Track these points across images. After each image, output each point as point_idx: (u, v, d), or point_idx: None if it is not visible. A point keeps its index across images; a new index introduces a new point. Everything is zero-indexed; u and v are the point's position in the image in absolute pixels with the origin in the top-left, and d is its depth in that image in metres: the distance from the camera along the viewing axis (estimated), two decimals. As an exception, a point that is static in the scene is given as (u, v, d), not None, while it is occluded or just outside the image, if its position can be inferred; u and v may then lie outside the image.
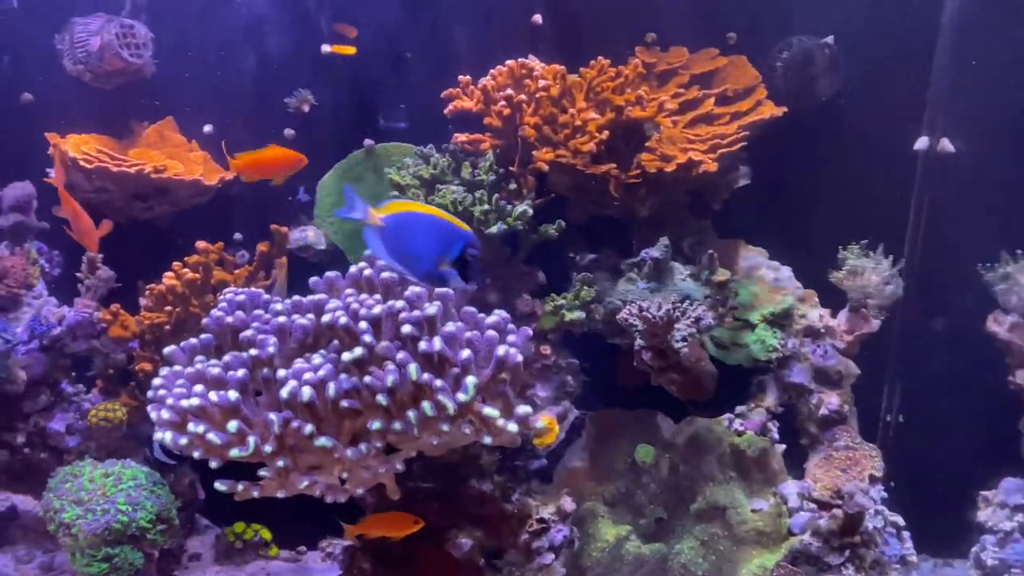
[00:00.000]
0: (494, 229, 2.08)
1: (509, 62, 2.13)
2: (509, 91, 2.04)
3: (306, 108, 2.25)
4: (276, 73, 2.32)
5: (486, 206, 2.09)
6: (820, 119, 2.48)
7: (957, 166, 2.46)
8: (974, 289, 2.47)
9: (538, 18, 2.30)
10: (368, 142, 2.31)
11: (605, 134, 2.13)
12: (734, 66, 2.46)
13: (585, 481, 2.37)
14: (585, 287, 2.27)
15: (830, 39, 2.40)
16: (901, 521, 2.26)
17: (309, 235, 2.27)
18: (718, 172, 2.40)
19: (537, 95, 2.07)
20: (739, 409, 2.37)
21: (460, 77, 2.15)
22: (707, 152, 2.24)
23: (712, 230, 2.53)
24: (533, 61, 2.19)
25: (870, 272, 2.36)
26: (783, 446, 2.35)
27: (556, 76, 2.10)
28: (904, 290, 2.46)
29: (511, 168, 2.21)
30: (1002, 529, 2.26)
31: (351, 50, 2.18)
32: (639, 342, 2.10)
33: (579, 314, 2.21)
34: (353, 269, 1.98)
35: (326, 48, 2.25)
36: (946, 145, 2.45)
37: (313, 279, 2.00)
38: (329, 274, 2.00)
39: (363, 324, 1.82)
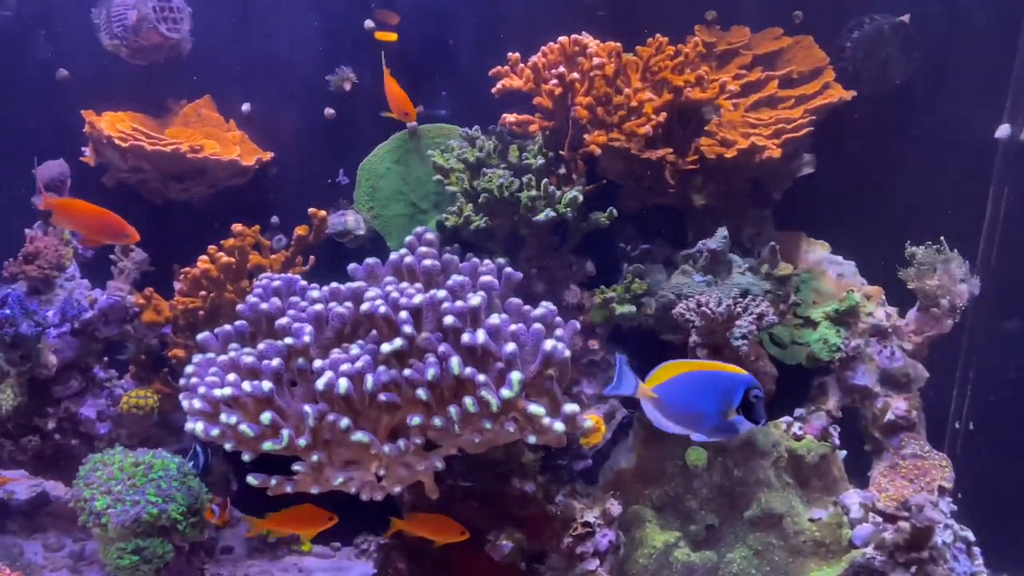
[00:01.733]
0: (542, 216, 1.99)
1: (561, 38, 2.03)
2: (561, 69, 1.94)
3: (348, 87, 2.17)
4: (318, 50, 2.24)
5: (534, 192, 2.00)
6: (892, 104, 2.35)
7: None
8: (1055, 290, 2.33)
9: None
10: (412, 123, 2.22)
11: (662, 116, 2.03)
12: (800, 47, 2.33)
13: (632, 483, 2.27)
14: (636, 279, 2.17)
15: (905, 18, 2.25)
16: (972, 536, 2.13)
17: (348, 220, 2.19)
18: (781, 159, 2.28)
19: (591, 74, 1.97)
20: (798, 412, 2.25)
21: (509, 54, 2.05)
22: (770, 137, 2.12)
23: (772, 221, 2.41)
24: (586, 38, 2.08)
25: (941, 270, 2.22)
26: (844, 452, 2.23)
27: (611, 54, 1.99)
28: (978, 289, 2.32)
29: (561, 152, 2.11)
30: (1084, 549, 2.11)
31: (392, 36, 2.10)
32: (694, 339, 1.99)
33: (630, 308, 2.11)
34: (394, 256, 1.91)
35: (369, 24, 2.17)
36: (1030, 133, 2.30)
37: (352, 266, 1.93)
38: (369, 261, 1.94)
39: (403, 314, 1.74)
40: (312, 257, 2.21)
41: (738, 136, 2.12)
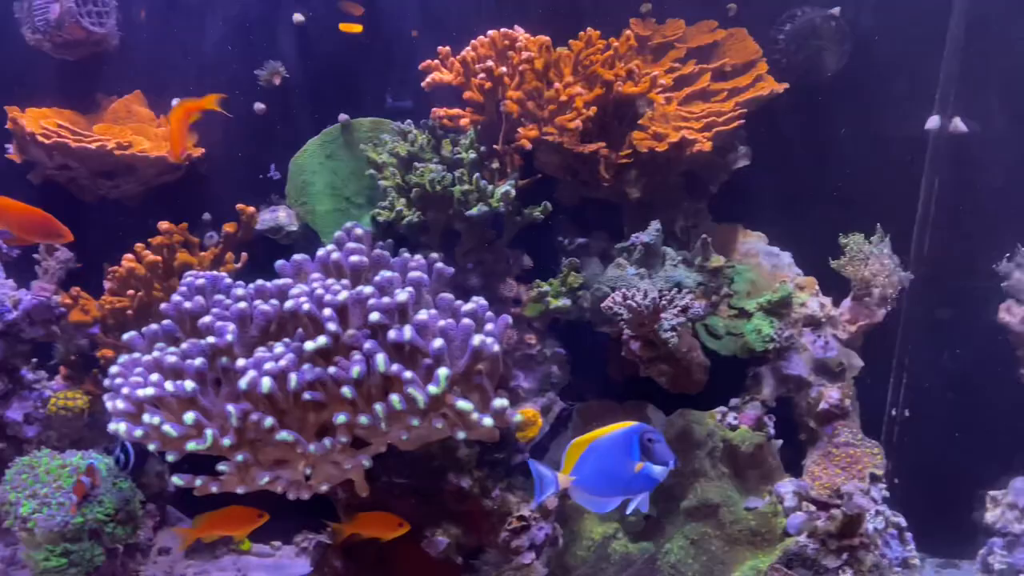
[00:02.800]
0: (475, 211, 1.97)
1: (491, 32, 2.01)
2: (489, 63, 1.92)
3: (277, 81, 2.13)
4: (247, 44, 2.19)
5: (466, 186, 1.98)
6: (825, 96, 2.36)
7: (970, 147, 2.33)
8: (986, 277, 2.35)
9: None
10: (343, 117, 2.19)
11: (593, 110, 2.01)
12: (734, 39, 2.33)
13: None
14: (572, 273, 2.16)
15: (836, 10, 2.26)
16: (903, 522, 2.16)
17: (280, 216, 2.16)
18: (715, 152, 2.29)
19: (520, 68, 1.95)
20: (733, 402, 2.27)
21: (439, 48, 2.02)
22: (702, 131, 2.12)
23: (708, 214, 2.41)
24: (517, 31, 2.06)
25: (875, 259, 2.24)
26: (780, 441, 2.25)
27: (541, 48, 1.98)
28: (911, 278, 2.35)
29: (495, 146, 2.09)
30: (1011, 532, 2.16)
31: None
32: (627, 332, 1.99)
33: (565, 301, 2.10)
34: (321, 252, 1.88)
35: (298, 17, 2.13)
36: (959, 125, 2.32)
37: (279, 262, 1.90)
38: (297, 257, 1.90)
39: (328, 311, 1.72)
40: (244, 254, 2.17)
41: (670, 130, 2.12)
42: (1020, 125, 2.29)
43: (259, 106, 2.17)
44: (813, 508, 2.07)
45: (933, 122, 2.33)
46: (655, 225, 2.13)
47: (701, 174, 2.35)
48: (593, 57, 2.04)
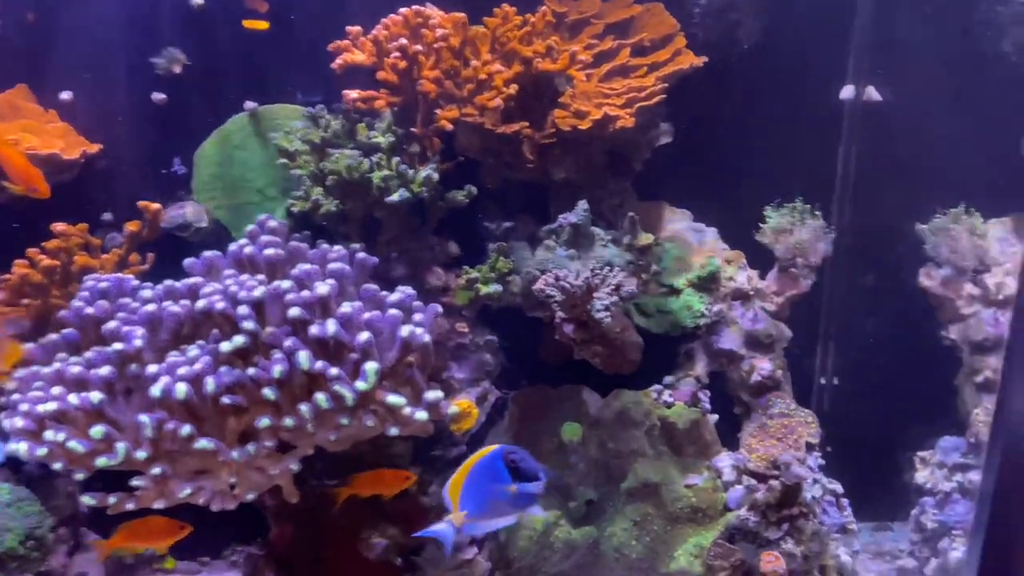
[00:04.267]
0: (395, 197, 1.89)
1: (403, 10, 1.92)
2: (403, 40, 1.83)
3: (177, 69, 1.99)
4: (142, 30, 2.03)
5: (385, 172, 1.89)
6: (743, 69, 2.35)
7: (885, 115, 2.35)
8: (906, 243, 2.39)
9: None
10: (250, 104, 2.07)
11: (513, 88, 1.95)
12: (650, 13, 2.30)
13: (509, 466, 2.20)
14: (501, 258, 2.10)
15: (748, -19, 2.25)
16: (840, 488, 2.18)
17: (188, 212, 2.03)
18: (638, 129, 2.25)
19: (435, 46, 1.87)
20: (668, 379, 2.24)
21: (349, 28, 1.93)
22: (623, 107, 2.08)
23: (633, 192, 2.38)
24: (431, 9, 1.98)
25: (798, 229, 2.25)
26: (715, 416, 2.24)
27: (456, 25, 1.90)
28: (834, 246, 2.36)
29: (414, 129, 2.01)
30: (941, 490, 2.19)
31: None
32: (559, 315, 1.93)
33: (495, 287, 2.04)
34: (233, 247, 1.77)
35: (197, 0, 1.99)
36: (872, 94, 2.34)
37: (188, 260, 1.79)
38: (207, 254, 1.79)
39: (243, 309, 1.62)
40: (151, 255, 2.03)
41: (592, 107, 2.07)
42: (932, 91, 2.33)
43: (158, 96, 2.03)
44: (752, 481, 2.06)
45: (848, 91, 2.35)
46: (583, 205, 2.08)
47: (624, 152, 2.31)
48: (510, 34, 1.98)
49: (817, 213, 2.30)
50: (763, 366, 2.23)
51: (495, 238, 2.20)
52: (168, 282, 1.73)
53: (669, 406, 2.19)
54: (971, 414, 2.25)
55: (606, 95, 2.14)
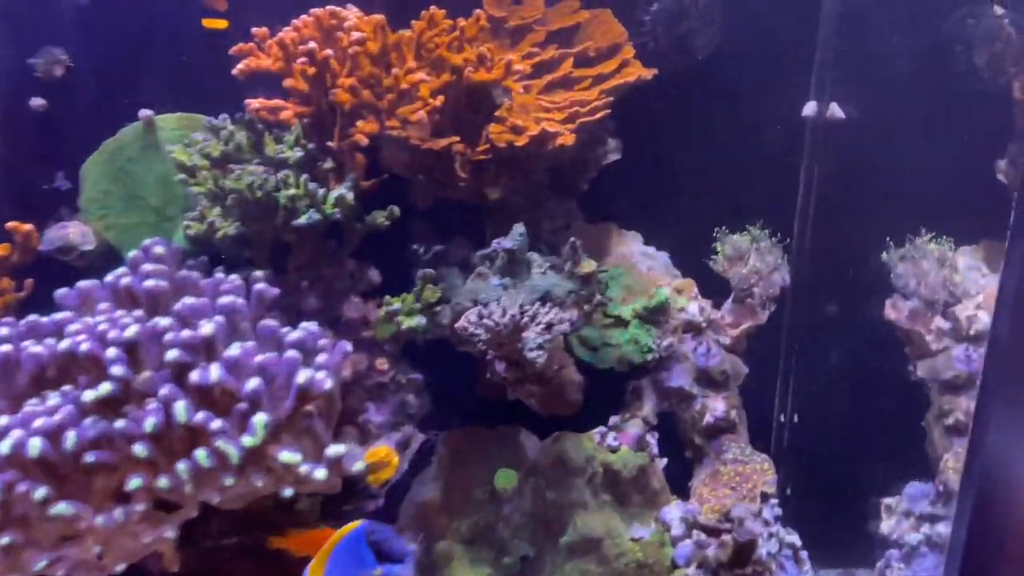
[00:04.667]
0: (303, 220, 1.68)
1: (315, 10, 1.72)
2: (312, 44, 1.63)
3: (59, 72, 1.77)
4: (18, 27, 1.80)
5: (292, 191, 1.69)
6: (698, 82, 2.18)
7: (849, 135, 2.19)
8: (871, 271, 2.22)
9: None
10: (145, 113, 1.85)
11: (439, 100, 1.76)
12: (597, 21, 2.12)
13: (438, 516, 2.01)
14: (428, 286, 1.90)
15: (704, -13, 2.08)
16: (798, 541, 2.01)
17: (71, 233, 1.80)
18: (584, 146, 2.08)
19: (351, 51, 1.67)
20: (613, 420, 2.05)
21: (255, 30, 1.72)
22: (565, 122, 1.89)
23: (579, 213, 2.20)
24: (348, 10, 1.78)
25: (754, 257, 2.08)
26: (664, 461, 2.05)
27: (375, 28, 1.70)
28: (794, 274, 2.20)
29: (330, 143, 1.80)
30: (908, 543, 2.03)
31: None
32: (490, 353, 1.74)
33: (419, 320, 1.84)
34: (110, 277, 1.55)
35: (80, -7, 1.78)
36: (836, 111, 2.18)
37: (60, 291, 1.57)
38: (82, 284, 1.58)
39: (112, 351, 1.40)
40: (29, 281, 1.81)
41: (530, 122, 1.88)
42: (900, 109, 2.17)
43: (37, 101, 1.80)
44: (702, 535, 1.88)
45: (810, 108, 2.19)
46: (518, 229, 1.89)
47: (568, 170, 2.13)
48: (437, 40, 1.78)
49: (774, 238, 2.14)
50: (716, 407, 2.06)
51: (423, 263, 2.00)
52: (32, 317, 1.51)
53: (614, 450, 2.00)
54: (940, 459, 2.09)
55: (547, 109, 1.95)
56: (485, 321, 1.59)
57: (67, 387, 1.47)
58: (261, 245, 1.80)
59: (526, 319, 1.59)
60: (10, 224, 1.75)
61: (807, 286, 2.25)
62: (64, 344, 1.42)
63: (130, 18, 1.83)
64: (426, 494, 2.01)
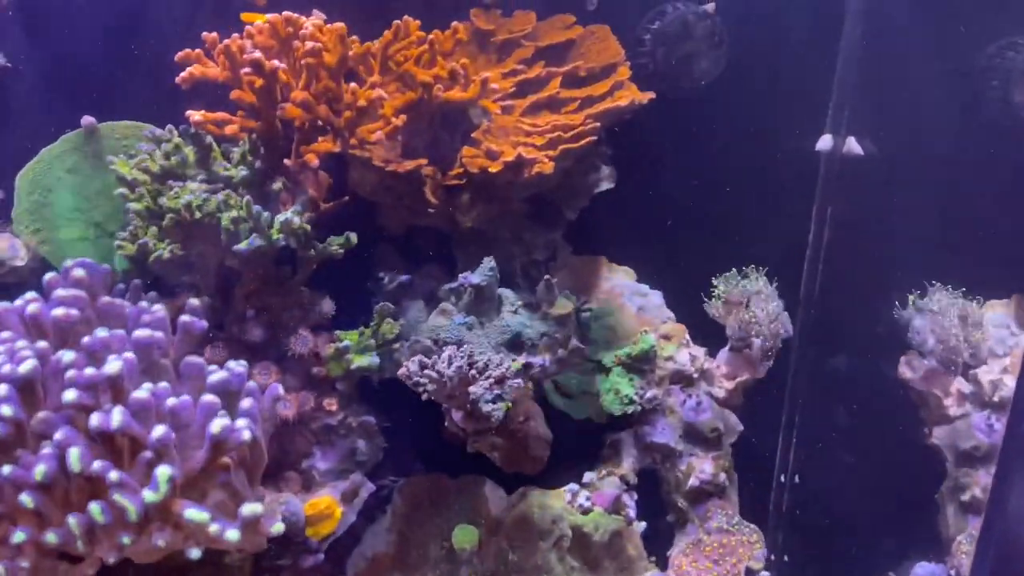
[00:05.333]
0: (243, 245, 1.55)
1: (271, 16, 1.58)
2: (257, 54, 1.49)
3: (-6, 72, 1.66)
4: None
5: (234, 212, 1.55)
6: (700, 109, 2.01)
7: (866, 172, 2.01)
8: (885, 324, 2.03)
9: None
10: (88, 120, 1.73)
11: (402, 119, 1.61)
12: (594, 38, 1.97)
13: (389, 573, 1.84)
14: (387, 321, 1.75)
15: (710, 7, 1.92)
16: (788, 626, 1.81)
17: (1, 247, 1.68)
18: (574, 173, 1.92)
19: (304, 61, 1.53)
20: (588, 477, 1.89)
21: (204, 35, 1.59)
22: (545, 147, 1.74)
23: (565, 245, 2.04)
24: (315, 17, 1.64)
25: (754, 303, 1.90)
26: (643, 524, 1.88)
27: (336, 38, 1.56)
28: (800, 324, 2.02)
29: (286, 161, 1.66)
30: (911, 634, 1.83)
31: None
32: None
33: (371, 360, 1.69)
34: (17, 302, 1.42)
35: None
36: (853, 146, 2.00)
37: (-33, 315, 1.43)
38: (-7, 307, 1.44)
39: (3, 388, 1.27)
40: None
41: (507, 146, 1.73)
42: (926, 147, 1.98)
43: (-30, 103, 1.69)
44: (677, 614, 1.71)
45: (825, 142, 2.01)
46: (488, 263, 1.74)
47: (554, 198, 1.97)
48: (405, 53, 1.64)
49: (778, 283, 1.96)
50: (704, 468, 1.89)
51: (386, 294, 1.86)
52: (-69, 342, 1.38)
53: (586, 511, 1.83)
54: (953, 540, 1.89)
55: (527, 132, 1.80)
56: (427, 372, 1.44)
57: (-40, 423, 1.35)
58: (205, 270, 1.66)
59: (474, 372, 1.43)
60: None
61: (814, 337, 2.06)
62: (-47, 376, 1.29)
63: (76, 15, 1.71)
64: (377, 547, 1.86)
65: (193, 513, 1.30)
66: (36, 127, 1.72)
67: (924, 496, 2.05)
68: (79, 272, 1.47)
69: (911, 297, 1.99)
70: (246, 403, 1.40)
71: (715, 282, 1.95)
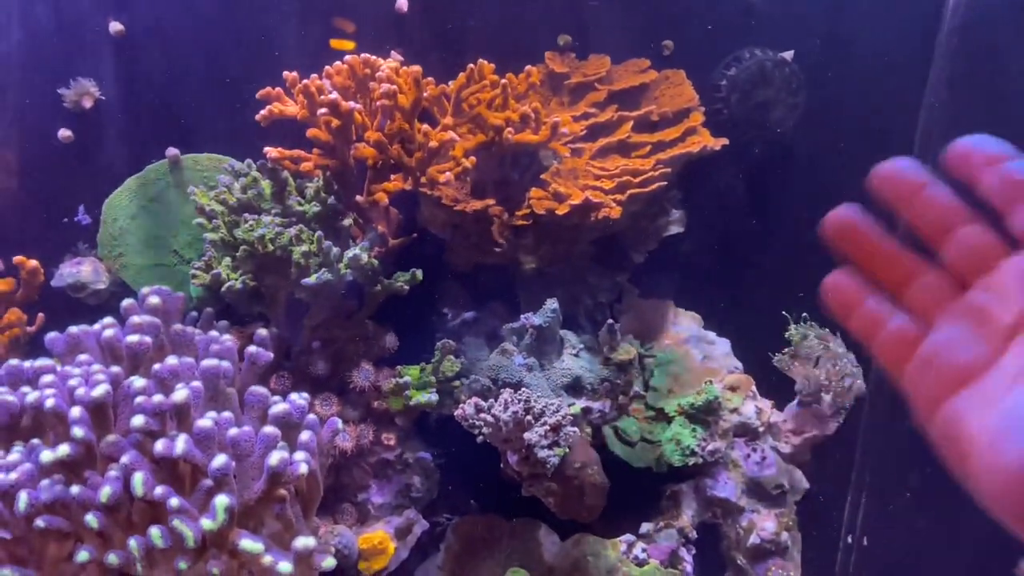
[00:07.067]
0: (312, 279, 1.58)
1: (350, 57, 1.63)
2: (334, 95, 1.54)
3: (88, 103, 1.75)
4: (50, 56, 1.78)
5: (305, 247, 1.59)
6: (775, 157, 1.99)
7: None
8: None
9: (403, 4, 1.80)
10: (172, 151, 1.81)
11: (471, 161, 1.64)
12: (668, 83, 1.97)
13: (439, 611, 1.85)
14: (449, 358, 1.77)
15: (789, 54, 1.89)
16: None
17: (84, 271, 1.76)
18: (642, 216, 1.93)
19: (379, 103, 1.57)
20: (645, 528, 1.86)
21: (285, 73, 1.65)
22: (613, 191, 1.74)
23: (632, 288, 2.03)
24: (390, 60, 1.69)
25: (824, 358, 1.85)
26: (700, 581, 1.84)
27: (410, 80, 1.60)
28: (875, 381, 1.96)
29: (358, 198, 1.71)
30: None
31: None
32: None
33: (430, 397, 1.71)
34: (96, 326, 1.48)
35: (116, 26, 1.75)
36: (935, 197, 1.94)
37: (51, 335, 1.52)
38: (73, 330, 1.52)
39: (76, 411, 1.33)
40: (40, 316, 1.78)
41: (575, 189, 1.74)
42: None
43: (64, 133, 1.78)
44: (731, 677, 1.66)
45: (905, 193, 1.95)
46: (551, 304, 1.75)
47: (622, 241, 1.97)
48: (479, 96, 1.67)
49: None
50: (766, 525, 1.84)
51: (449, 331, 1.88)
52: (13, 362, 1.45)
53: (641, 564, 1.80)
54: (1030, 618, 1.79)
55: (596, 176, 1.80)
56: (483, 415, 1.44)
57: (36, 440, 1.41)
58: (275, 301, 1.71)
59: (529, 417, 1.43)
60: (17, 258, 1.73)
61: (887, 394, 2.00)
62: (32, 397, 1.35)
63: (166, 50, 1.79)
64: (430, 585, 1.87)
65: (248, 543, 1.32)
66: (125, 157, 1.80)
67: (1003, 566, 1.96)
68: (154, 300, 1.54)
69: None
70: (305, 436, 1.42)
71: (787, 334, 1.91)
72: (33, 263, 1.73)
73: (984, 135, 0.51)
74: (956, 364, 0.46)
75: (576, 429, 1.49)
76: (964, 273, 0.47)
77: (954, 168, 0.50)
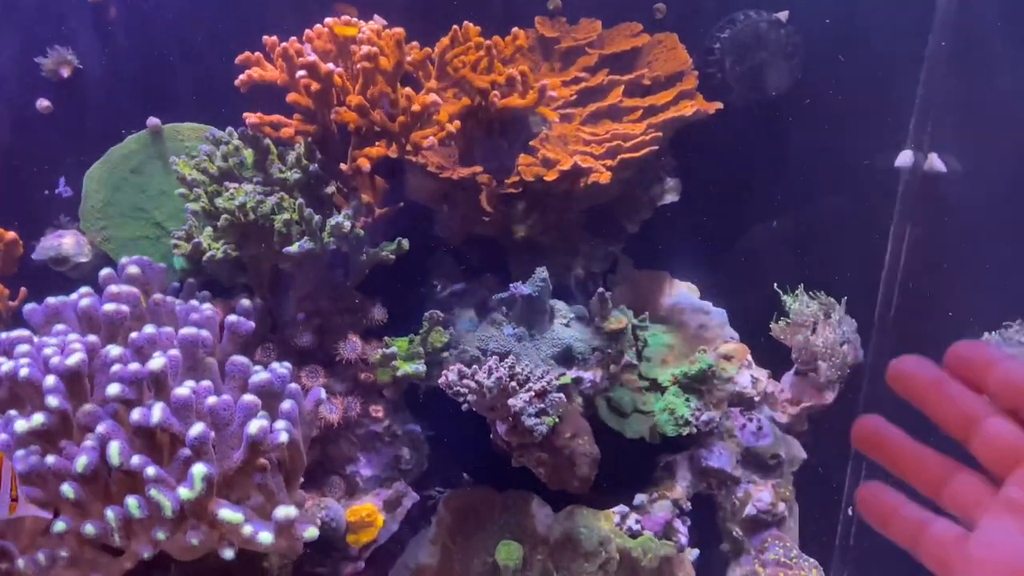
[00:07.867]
0: (294, 248, 1.55)
1: (330, 20, 1.60)
2: (312, 57, 1.50)
3: (66, 72, 1.72)
4: (25, 25, 1.74)
5: (287, 215, 1.56)
6: (771, 121, 1.95)
7: (950, 191, 1.90)
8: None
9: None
10: (153, 121, 1.78)
11: (456, 125, 1.60)
12: (661, 47, 1.92)
13: (432, 585, 1.82)
14: (437, 329, 1.74)
15: (784, 15, 1.85)
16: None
17: (66, 244, 1.74)
18: (631, 184, 1.88)
19: (359, 66, 1.53)
20: (639, 499, 1.83)
21: (265, 38, 1.61)
22: (603, 157, 1.70)
23: (626, 259, 2.00)
24: (376, 21, 1.65)
25: (822, 325, 1.82)
26: (695, 552, 1.81)
27: (391, 42, 1.56)
28: (874, 349, 1.92)
29: (342, 165, 1.68)
30: None
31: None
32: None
33: (417, 367, 1.68)
34: (72, 296, 1.46)
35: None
36: (936, 163, 1.90)
37: (29, 307, 1.50)
38: (51, 301, 1.50)
39: (50, 380, 1.30)
40: (23, 290, 1.75)
41: (564, 155, 1.70)
42: (1017, 166, 1.86)
43: (43, 103, 1.75)
44: (726, 648, 1.64)
45: (905, 158, 1.92)
46: (540, 273, 1.71)
47: (615, 211, 1.93)
48: (463, 58, 1.63)
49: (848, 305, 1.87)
50: (762, 496, 1.81)
51: (438, 302, 1.85)
52: (-8, 332, 1.43)
53: (634, 535, 1.78)
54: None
55: (586, 141, 1.77)
56: (467, 381, 1.42)
57: (12, 412, 1.39)
58: (258, 271, 1.68)
59: (514, 383, 1.40)
60: (-2, 230, 1.71)
61: (888, 363, 1.96)
62: (7, 367, 1.33)
63: (145, 16, 1.76)
64: (422, 558, 1.84)
65: (227, 513, 1.30)
66: (105, 128, 1.78)
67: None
68: (134, 269, 1.51)
69: (994, 332, 1.88)
70: (286, 405, 1.40)
71: (785, 299, 1.88)
72: (11, 235, 1.71)
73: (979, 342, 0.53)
74: (1011, 562, 0.46)
75: (562, 395, 1.46)
76: (994, 467, 0.49)
77: (956, 370, 0.53)
